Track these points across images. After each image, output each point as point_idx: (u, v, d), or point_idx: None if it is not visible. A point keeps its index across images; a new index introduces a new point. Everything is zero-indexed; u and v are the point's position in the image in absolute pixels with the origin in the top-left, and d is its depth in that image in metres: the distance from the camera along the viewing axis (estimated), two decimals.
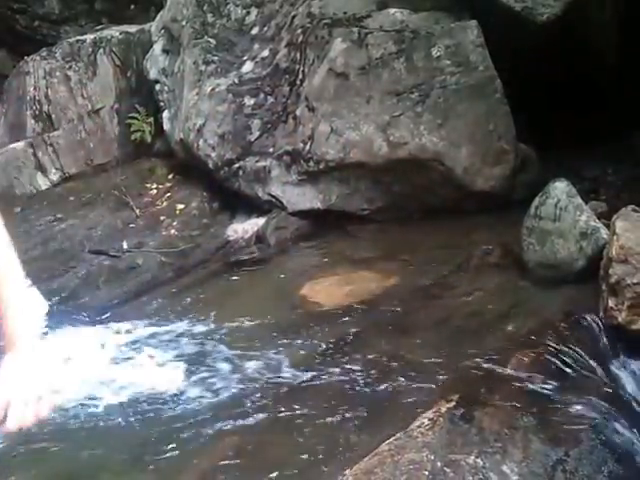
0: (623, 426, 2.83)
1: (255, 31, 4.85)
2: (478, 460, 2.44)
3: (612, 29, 4.75)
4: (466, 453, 2.46)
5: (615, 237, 3.34)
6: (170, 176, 5.06)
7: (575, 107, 4.53)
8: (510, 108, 4.33)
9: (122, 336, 3.81)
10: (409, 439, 2.51)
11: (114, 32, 5.44)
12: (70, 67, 5.25)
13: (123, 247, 4.53)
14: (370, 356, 3.29)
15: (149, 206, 4.85)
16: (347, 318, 3.64)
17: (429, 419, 2.63)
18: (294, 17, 4.71)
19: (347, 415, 2.89)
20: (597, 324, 3.32)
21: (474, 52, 4.32)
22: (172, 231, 4.69)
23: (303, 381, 3.21)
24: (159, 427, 3.07)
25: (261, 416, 3.02)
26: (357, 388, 3.08)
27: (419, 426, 2.60)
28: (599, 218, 3.72)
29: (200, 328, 3.79)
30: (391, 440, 2.53)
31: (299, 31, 4.65)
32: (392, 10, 4.49)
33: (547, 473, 2.50)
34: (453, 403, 2.75)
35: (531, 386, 2.96)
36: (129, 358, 3.61)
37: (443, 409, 2.69)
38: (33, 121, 5.19)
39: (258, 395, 3.18)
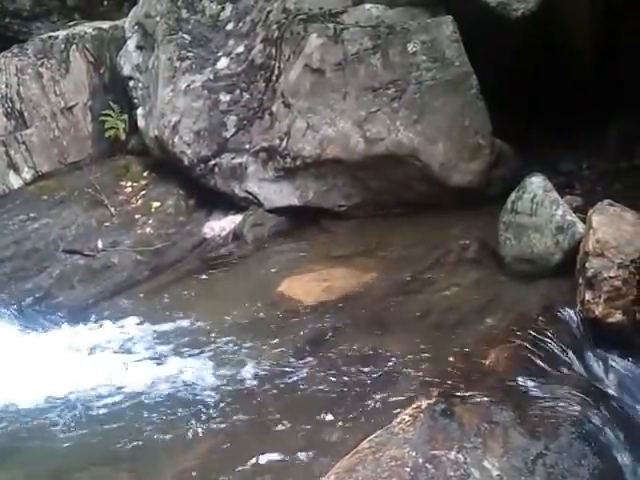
0: (601, 419, 2.84)
1: (230, 27, 4.82)
2: (459, 455, 2.44)
3: (588, 25, 4.78)
4: (447, 449, 2.46)
5: (592, 231, 3.37)
6: (145, 174, 5.01)
7: (550, 102, 4.56)
8: (485, 103, 4.34)
9: (97, 336, 3.76)
10: (390, 436, 2.51)
11: (87, 28, 5.38)
12: (42, 64, 5.18)
13: (98, 246, 4.48)
14: (349, 352, 3.28)
15: (124, 204, 4.80)
16: (326, 314, 3.63)
17: (409, 415, 2.63)
18: (269, 13, 4.69)
19: (327, 413, 2.87)
20: (574, 318, 3.34)
21: (450, 47, 4.32)
22: (147, 229, 4.65)
23: (282, 379, 3.19)
24: (131, 427, 3.03)
25: (239, 415, 3.00)
26: (336, 385, 3.07)
27: (400, 422, 2.59)
28: (575, 212, 3.75)
29: (177, 327, 3.76)
30: (372, 437, 2.52)
31: (274, 27, 4.62)
32: (367, 5, 4.48)
33: (528, 467, 2.51)
34: (433, 399, 2.75)
35: (510, 380, 2.97)
36: (103, 358, 3.56)
37: (423, 405, 2.69)
38: (5, 119, 5.11)
39: (236, 394, 3.15)
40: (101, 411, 3.16)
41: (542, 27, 4.28)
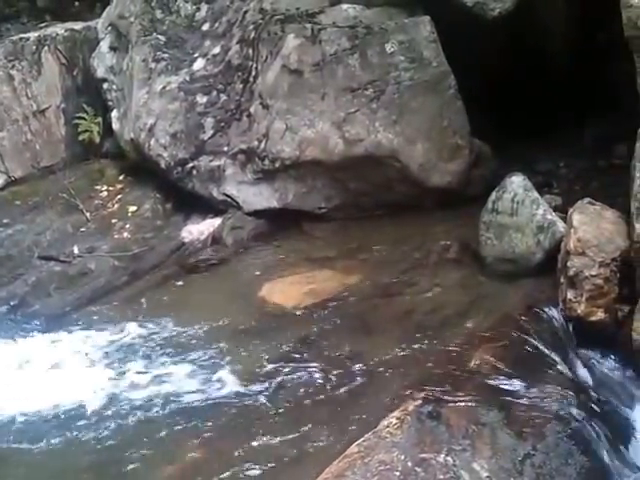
0: (585, 417, 2.85)
1: (206, 27, 4.77)
2: (448, 458, 2.43)
3: (564, 25, 4.81)
4: (436, 451, 2.45)
5: (573, 230, 3.38)
6: (121, 177, 4.96)
7: (528, 102, 4.57)
8: (464, 104, 4.34)
9: (75, 345, 3.69)
10: (378, 439, 2.49)
11: (59, 29, 5.31)
12: (13, 66, 5.09)
13: (74, 252, 4.42)
14: (333, 356, 3.26)
15: (100, 209, 4.74)
16: (308, 318, 3.61)
17: (397, 418, 2.61)
18: (245, 13, 4.65)
19: (313, 417, 2.86)
20: (556, 317, 3.35)
21: (428, 48, 4.32)
22: (125, 234, 4.59)
23: (265, 384, 3.16)
24: (115, 435, 2.98)
25: (223, 422, 2.96)
26: (322, 389, 3.05)
27: (387, 426, 2.58)
28: (554, 211, 3.76)
29: (156, 334, 3.71)
30: (360, 441, 2.50)
31: (251, 27, 4.59)
32: (345, 6, 4.46)
33: (516, 468, 2.51)
34: (420, 401, 2.74)
35: (495, 380, 2.97)
36: (82, 367, 3.50)
37: (410, 407, 2.68)
38: None
39: (219, 400, 3.12)
40: (81, 421, 3.10)
41: (519, 27, 4.29)
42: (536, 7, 4.42)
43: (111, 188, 4.88)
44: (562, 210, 3.88)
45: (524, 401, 2.86)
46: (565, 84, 4.64)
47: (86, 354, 3.60)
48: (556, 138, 4.57)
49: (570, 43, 4.81)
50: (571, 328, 3.30)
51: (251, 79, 4.56)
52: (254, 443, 2.77)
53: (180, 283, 4.23)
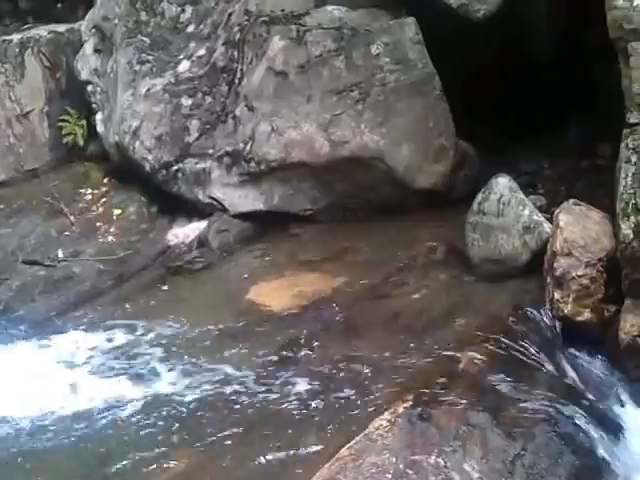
0: (574, 417, 2.88)
1: (191, 29, 4.75)
2: (439, 460, 2.44)
3: (547, 26, 4.85)
4: (427, 453, 2.46)
5: (559, 231, 3.40)
6: (105, 180, 4.92)
7: (512, 103, 4.60)
8: (449, 105, 4.36)
9: (61, 350, 3.66)
10: (369, 442, 2.49)
11: (42, 32, 5.25)
12: None
13: (58, 256, 4.37)
14: (322, 358, 3.26)
15: (84, 212, 4.70)
16: (296, 321, 3.60)
17: (387, 420, 2.62)
18: (230, 15, 4.63)
19: (303, 420, 2.85)
20: (544, 317, 3.37)
21: (413, 49, 4.32)
22: (109, 238, 4.55)
23: (254, 387, 3.15)
24: (101, 444, 2.95)
25: (212, 427, 2.94)
26: (311, 392, 3.04)
27: (378, 428, 2.58)
28: (539, 212, 3.78)
29: (143, 338, 3.68)
30: (351, 444, 2.50)
31: (236, 29, 4.58)
32: (330, 7, 4.46)
33: (507, 469, 2.53)
34: (410, 403, 2.75)
35: (484, 381, 2.99)
36: (68, 372, 3.46)
37: (400, 409, 2.68)
38: None
39: (207, 405, 3.10)
40: (67, 428, 3.07)
41: (503, 28, 4.31)
42: (520, 8, 4.44)
43: (95, 191, 4.84)
44: (547, 210, 3.91)
45: (513, 401, 2.88)
46: (549, 84, 4.67)
47: (71, 359, 3.56)
48: (540, 138, 4.60)
49: (553, 43, 4.84)
50: (558, 328, 3.32)
51: (236, 81, 4.55)
52: (243, 448, 2.76)
53: (166, 287, 4.20)
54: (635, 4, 3.09)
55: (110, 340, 3.69)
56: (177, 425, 2.98)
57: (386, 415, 2.65)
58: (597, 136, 4.50)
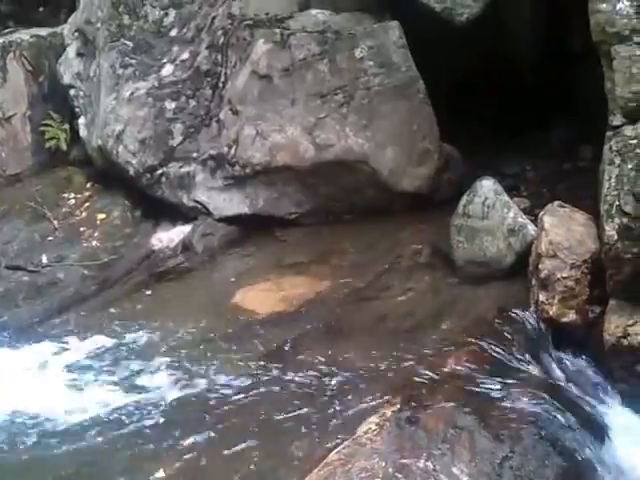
0: (560, 418, 2.88)
1: (174, 33, 4.73)
2: (428, 463, 2.44)
3: (530, 29, 4.88)
4: (416, 457, 2.46)
5: (544, 233, 3.42)
6: (89, 185, 4.89)
7: (495, 106, 4.62)
8: (432, 108, 4.37)
9: (45, 356, 3.62)
10: (358, 446, 2.49)
11: (24, 35, 5.22)
12: None
13: (42, 261, 4.34)
14: (309, 363, 3.25)
15: (68, 217, 4.67)
16: (283, 325, 3.59)
17: (375, 424, 2.62)
18: (214, 18, 4.62)
19: (291, 425, 2.83)
20: (529, 319, 3.39)
21: (396, 53, 4.34)
22: (93, 242, 4.53)
23: (241, 393, 3.13)
24: (82, 451, 2.91)
25: (199, 432, 2.91)
26: (299, 396, 3.03)
27: (366, 432, 2.58)
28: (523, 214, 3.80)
29: (127, 344, 3.65)
30: (340, 449, 2.49)
31: (220, 32, 4.57)
32: (314, 11, 4.46)
33: (495, 471, 2.53)
34: (397, 406, 2.75)
35: (471, 384, 2.99)
36: (51, 379, 3.43)
37: (388, 413, 2.68)
38: None
39: (194, 410, 3.08)
40: (51, 436, 3.04)
41: (487, 32, 4.33)
42: (503, 12, 4.47)
43: (79, 196, 4.81)
44: (530, 213, 3.93)
45: (500, 403, 2.88)
46: (532, 87, 4.70)
47: (54, 365, 3.53)
48: (523, 141, 4.63)
49: (536, 47, 4.88)
50: (544, 330, 3.33)
51: (220, 84, 4.54)
52: (231, 453, 2.74)
53: (150, 291, 4.18)
54: (618, 7, 3.11)
55: (94, 345, 3.66)
56: (161, 431, 2.95)
57: (374, 418, 2.65)
58: (579, 138, 4.54)
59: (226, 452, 2.75)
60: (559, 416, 2.87)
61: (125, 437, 2.96)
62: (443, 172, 4.46)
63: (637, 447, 2.86)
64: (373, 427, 2.59)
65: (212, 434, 2.88)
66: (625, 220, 3.08)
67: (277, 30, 4.41)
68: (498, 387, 2.98)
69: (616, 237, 3.11)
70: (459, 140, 4.49)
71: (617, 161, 3.13)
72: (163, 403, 3.15)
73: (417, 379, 3.00)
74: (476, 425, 2.70)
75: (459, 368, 3.07)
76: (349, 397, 2.96)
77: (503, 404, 2.88)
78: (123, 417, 3.09)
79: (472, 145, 4.45)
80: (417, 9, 4.21)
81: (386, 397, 2.86)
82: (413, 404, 2.78)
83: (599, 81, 3.29)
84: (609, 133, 3.21)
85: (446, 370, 3.05)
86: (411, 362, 3.14)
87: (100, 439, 2.97)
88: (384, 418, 2.65)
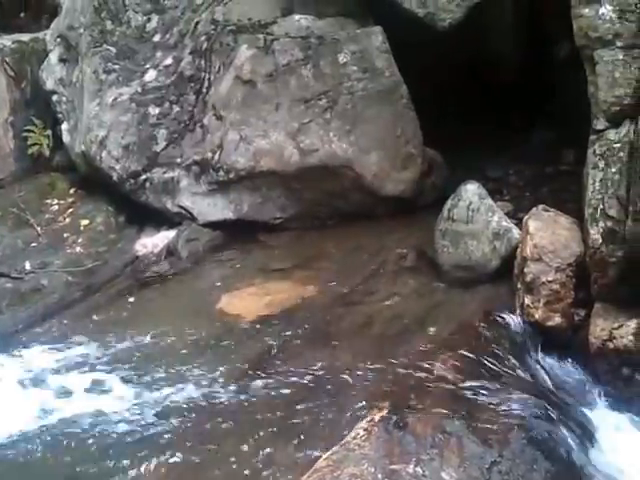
0: (547, 422, 2.90)
1: (157, 38, 4.71)
2: (417, 469, 2.44)
3: (512, 33, 4.90)
4: (405, 462, 2.46)
5: (529, 237, 3.44)
6: (72, 191, 4.86)
7: (477, 109, 4.65)
8: (416, 113, 4.38)
9: (28, 363, 3.59)
10: (347, 452, 2.48)
11: (6, 41, 5.17)
12: None
13: (26, 268, 4.30)
14: (296, 368, 3.24)
15: (51, 223, 4.64)
16: (269, 330, 3.58)
17: (364, 429, 2.61)
18: (197, 24, 4.61)
19: (279, 431, 2.82)
20: (515, 322, 3.40)
21: (380, 58, 4.34)
22: (77, 248, 4.49)
23: (228, 399, 3.12)
24: (63, 461, 2.89)
25: (186, 439, 2.90)
26: (286, 402, 3.02)
27: (355, 437, 2.57)
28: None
29: (113, 350, 3.62)
30: (328, 455, 2.49)
31: (203, 38, 4.55)
32: (297, 16, 4.45)
33: (484, 476, 2.54)
34: (385, 411, 2.75)
35: (458, 388, 3.00)
36: (35, 387, 3.40)
37: (377, 418, 2.68)
38: None
39: (181, 417, 3.05)
40: (32, 445, 3.00)
41: (469, 36, 4.35)
42: (486, 17, 4.49)
43: (62, 202, 4.78)
44: (514, 216, 3.95)
45: (487, 407, 2.89)
46: (514, 92, 4.72)
47: (37, 372, 3.49)
48: (506, 145, 4.65)
49: (518, 51, 4.91)
50: (529, 333, 3.35)
51: (204, 90, 4.52)
52: (218, 461, 2.72)
53: (135, 298, 4.14)
54: (601, 12, 3.14)
55: (78, 353, 3.63)
56: (147, 438, 2.93)
57: (363, 424, 2.65)
58: (561, 142, 4.57)
59: (213, 457, 2.73)
60: (546, 419, 2.89)
61: (104, 444, 2.92)
62: (427, 176, 4.47)
63: (624, 449, 2.88)
64: (362, 432, 2.59)
65: (196, 441, 2.86)
66: (609, 224, 3.10)
67: (260, 35, 4.40)
68: (485, 391, 2.99)
69: (601, 240, 3.13)
70: (442, 144, 4.51)
71: (601, 165, 3.15)
72: (147, 409, 3.12)
73: (405, 383, 3.01)
74: (464, 430, 2.71)
75: (446, 372, 3.07)
76: (337, 402, 2.95)
77: (490, 408, 2.89)
78: (101, 424, 3.04)
79: (455, 149, 4.47)
80: (400, 14, 4.22)
81: (374, 402, 2.85)
82: (401, 409, 2.78)
83: (582, 85, 3.31)
84: (592, 137, 3.24)
85: (433, 374, 3.06)
86: (398, 367, 3.14)
87: (75, 446, 2.91)
88: (372, 423, 2.64)
